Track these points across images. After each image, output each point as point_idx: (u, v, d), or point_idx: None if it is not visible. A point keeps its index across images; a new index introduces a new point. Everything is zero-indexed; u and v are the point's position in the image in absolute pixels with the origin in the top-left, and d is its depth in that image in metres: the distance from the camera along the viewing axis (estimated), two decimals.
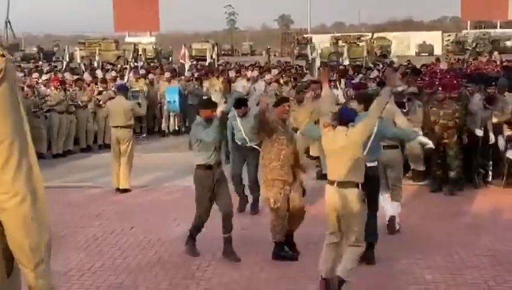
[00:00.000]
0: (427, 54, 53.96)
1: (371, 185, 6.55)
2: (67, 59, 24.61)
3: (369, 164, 6.55)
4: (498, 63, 26.31)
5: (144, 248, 7.93)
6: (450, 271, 6.88)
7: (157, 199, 10.57)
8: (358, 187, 6.02)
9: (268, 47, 53.48)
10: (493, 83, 13.22)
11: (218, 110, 7.47)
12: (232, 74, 20.40)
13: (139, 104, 12.10)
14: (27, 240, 2.26)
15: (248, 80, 18.93)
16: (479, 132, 10.62)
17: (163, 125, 18.16)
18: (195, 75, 19.89)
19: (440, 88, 11.00)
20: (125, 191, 10.90)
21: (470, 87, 12.08)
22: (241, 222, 8.10)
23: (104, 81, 17.23)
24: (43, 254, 2.35)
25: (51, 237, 2.41)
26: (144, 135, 17.75)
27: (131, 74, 17.98)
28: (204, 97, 12.50)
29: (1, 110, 2.14)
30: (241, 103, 9.45)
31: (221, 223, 7.24)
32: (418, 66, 21.70)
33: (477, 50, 39.67)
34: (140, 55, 25.99)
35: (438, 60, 28.42)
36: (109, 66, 28.36)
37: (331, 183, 6.07)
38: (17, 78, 2.28)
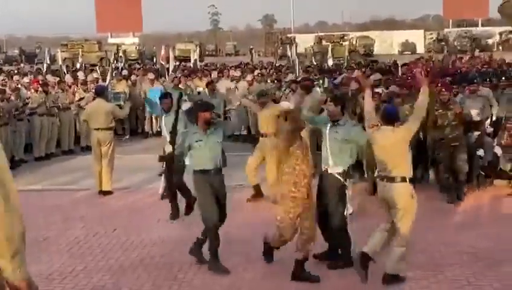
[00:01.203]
0: (409, 53, 54.23)
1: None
2: (48, 61, 24.46)
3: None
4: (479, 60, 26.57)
5: (127, 249, 7.91)
6: (432, 268, 6.93)
7: (139, 200, 10.55)
8: (407, 181, 6.36)
9: (251, 47, 53.45)
10: (474, 81, 13.42)
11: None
12: (214, 74, 20.42)
13: (120, 106, 12.08)
14: (1, 232, 2.35)
15: (232, 80, 19.00)
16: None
17: (146, 127, 18.11)
18: (178, 76, 19.81)
19: (443, 89, 10.55)
20: (107, 193, 10.88)
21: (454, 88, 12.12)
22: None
23: (84, 83, 17.15)
24: (18, 244, 2.44)
25: (24, 229, 2.49)
26: (127, 137, 17.70)
27: (113, 76, 17.91)
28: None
29: None
30: (165, 96, 9.55)
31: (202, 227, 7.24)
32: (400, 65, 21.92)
33: (459, 48, 40.02)
34: (121, 56, 25.87)
35: (419, 59, 28.55)
36: (92, 68, 28.18)
37: (382, 178, 6.46)
38: None
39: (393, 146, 6.39)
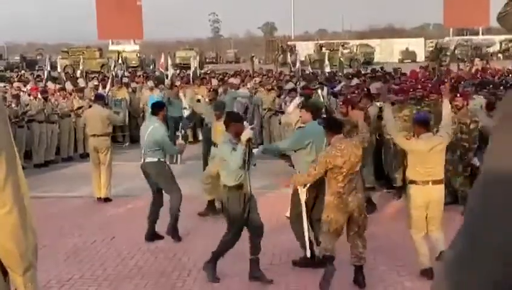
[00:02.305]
0: (410, 61, 54.35)
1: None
2: (49, 68, 24.49)
3: None
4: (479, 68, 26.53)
5: (125, 257, 7.90)
6: (430, 278, 6.91)
7: (138, 208, 10.45)
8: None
9: (252, 55, 53.54)
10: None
11: (244, 137, 6.82)
12: (214, 82, 20.41)
13: (117, 113, 12.10)
14: (16, 247, 2.33)
15: (231, 87, 18.99)
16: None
17: None
18: (177, 83, 19.77)
19: (458, 94, 10.44)
20: (106, 200, 10.87)
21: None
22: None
23: (80, 90, 17.05)
24: (31, 258, 2.42)
25: (37, 242, 2.49)
26: (127, 144, 17.68)
27: (113, 83, 17.91)
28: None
29: None
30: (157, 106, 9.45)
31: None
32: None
33: (458, 56, 39.96)
34: (121, 64, 25.88)
35: (422, 67, 28.44)
36: (92, 75, 28.25)
37: (427, 182, 6.92)
38: None
39: (438, 151, 7.01)
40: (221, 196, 7.27)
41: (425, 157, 6.92)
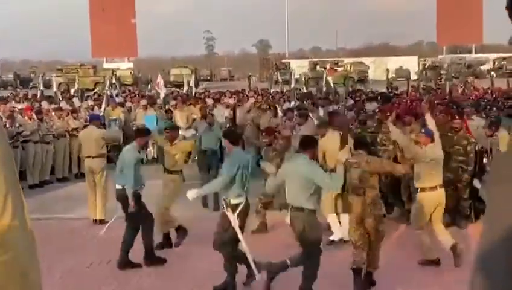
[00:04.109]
0: (404, 79, 54.56)
1: None
2: (42, 87, 24.50)
3: None
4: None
5: (122, 281, 7.87)
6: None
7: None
8: None
9: (250, 74, 53.72)
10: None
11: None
12: (210, 101, 20.46)
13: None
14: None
15: (227, 107, 19.03)
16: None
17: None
18: (170, 104, 19.75)
19: (457, 116, 10.67)
20: (101, 222, 10.83)
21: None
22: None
23: (75, 111, 17.02)
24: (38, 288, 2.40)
25: (40, 273, 2.46)
26: None
27: (108, 103, 17.94)
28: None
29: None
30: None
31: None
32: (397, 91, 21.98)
33: (453, 75, 40.23)
34: (114, 83, 25.92)
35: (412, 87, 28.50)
36: (87, 94, 28.25)
37: (433, 188, 8.14)
38: None
39: (441, 159, 8.27)
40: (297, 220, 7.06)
41: (433, 165, 8.11)
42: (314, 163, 7.24)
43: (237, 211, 7.33)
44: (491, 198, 1.43)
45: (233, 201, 7.38)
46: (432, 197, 8.20)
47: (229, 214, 7.35)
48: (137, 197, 8.46)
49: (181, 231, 9.37)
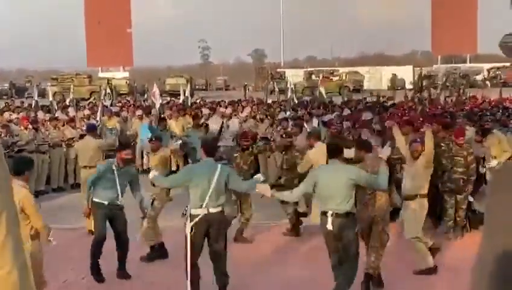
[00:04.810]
0: (399, 88, 54.64)
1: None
2: (36, 97, 24.46)
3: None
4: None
5: None
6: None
7: (130, 241, 10.38)
8: None
9: (246, 83, 53.75)
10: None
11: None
12: (206, 111, 20.43)
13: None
14: None
15: (223, 116, 19.02)
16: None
17: (137, 164, 17.97)
18: (165, 114, 19.69)
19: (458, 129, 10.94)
20: None
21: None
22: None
23: (72, 120, 17.03)
24: None
25: None
26: None
27: (104, 112, 17.89)
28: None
29: None
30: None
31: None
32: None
33: (448, 85, 40.28)
34: (109, 93, 25.91)
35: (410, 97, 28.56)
36: (82, 103, 28.23)
37: (415, 196, 8.50)
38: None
39: (424, 169, 8.63)
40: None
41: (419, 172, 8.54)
42: (351, 166, 7.47)
43: (193, 222, 7.37)
44: (489, 208, 1.41)
45: (191, 212, 7.46)
46: (414, 205, 8.44)
47: (187, 223, 7.43)
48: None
49: (161, 250, 9.34)
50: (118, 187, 8.52)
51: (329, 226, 7.01)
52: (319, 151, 9.53)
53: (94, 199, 8.60)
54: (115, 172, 8.53)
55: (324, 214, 7.12)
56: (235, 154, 10.70)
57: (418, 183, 8.48)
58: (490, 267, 1.33)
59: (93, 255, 8.43)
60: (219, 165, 7.60)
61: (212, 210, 7.43)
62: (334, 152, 7.39)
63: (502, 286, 1.32)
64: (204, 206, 7.42)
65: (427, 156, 8.58)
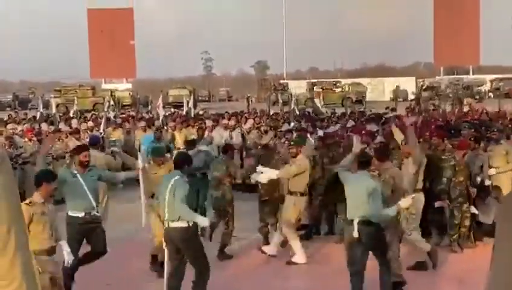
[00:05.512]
0: (401, 100, 54.67)
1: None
2: (41, 109, 24.51)
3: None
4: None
5: None
6: None
7: (133, 252, 10.35)
8: None
9: (248, 95, 53.88)
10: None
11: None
12: (209, 122, 20.47)
13: (113, 152, 11.92)
14: None
15: (226, 128, 19.06)
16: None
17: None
18: (169, 125, 19.72)
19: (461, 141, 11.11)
20: None
21: None
22: None
23: (76, 132, 17.03)
24: None
25: None
26: (121, 185, 17.59)
27: (107, 124, 17.96)
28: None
29: (3, 203, 2.17)
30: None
31: None
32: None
33: (450, 96, 40.31)
34: (113, 105, 25.99)
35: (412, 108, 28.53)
36: (85, 115, 28.27)
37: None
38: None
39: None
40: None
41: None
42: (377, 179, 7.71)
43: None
44: (500, 233, 1.40)
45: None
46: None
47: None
48: None
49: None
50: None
51: (355, 234, 7.26)
52: (299, 161, 9.63)
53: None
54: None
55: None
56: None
57: (412, 179, 8.82)
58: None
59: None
60: (174, 179, 7.35)
61: (171, 225, 7.33)
62: (364, 164, 7.61)
63: None
64: (166, 219, 7.42)
65: (412, 153, 8.99)
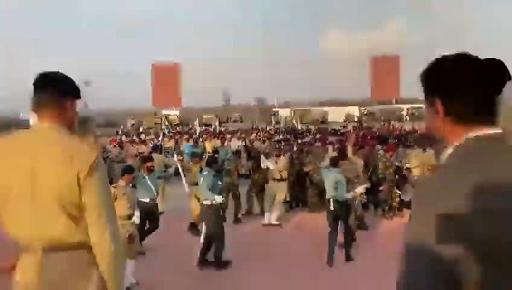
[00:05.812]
0: (350, 121, 54.46)
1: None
2: (122, 127, 24.36)
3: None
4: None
5: None
6: None
7: (180, 219, 9.23)
8: None
9: (254, 121, 54.14)
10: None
11: None
12: (228, 136, 20.42)
13: (166, 156, 11.83)
14: (117, 275, 2.15)
15: (238, 139, 19.00)
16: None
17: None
18: (202, 138, 19.68)
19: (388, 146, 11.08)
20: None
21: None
22: None
23: (142, 142, 17.04)
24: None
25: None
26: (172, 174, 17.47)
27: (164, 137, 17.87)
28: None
29: (100, 189, 2.11)
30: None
31: None
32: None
33: (382, 119, 40.06)
34: (167, 124, 26.01)
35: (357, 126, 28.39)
36: (150, 131, 28.18)
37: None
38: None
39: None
40: None
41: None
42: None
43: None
44: (413, 214, 1.28)
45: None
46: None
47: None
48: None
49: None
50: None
51: (332, 207, 7.12)
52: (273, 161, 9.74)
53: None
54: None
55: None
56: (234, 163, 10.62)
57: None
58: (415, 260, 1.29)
59: None
60: (204, 173, 7.26)
61: (203, 202, 7.23)
62: (335, 162, 7.47)
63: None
64: (200, 199, 7.44)
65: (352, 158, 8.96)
